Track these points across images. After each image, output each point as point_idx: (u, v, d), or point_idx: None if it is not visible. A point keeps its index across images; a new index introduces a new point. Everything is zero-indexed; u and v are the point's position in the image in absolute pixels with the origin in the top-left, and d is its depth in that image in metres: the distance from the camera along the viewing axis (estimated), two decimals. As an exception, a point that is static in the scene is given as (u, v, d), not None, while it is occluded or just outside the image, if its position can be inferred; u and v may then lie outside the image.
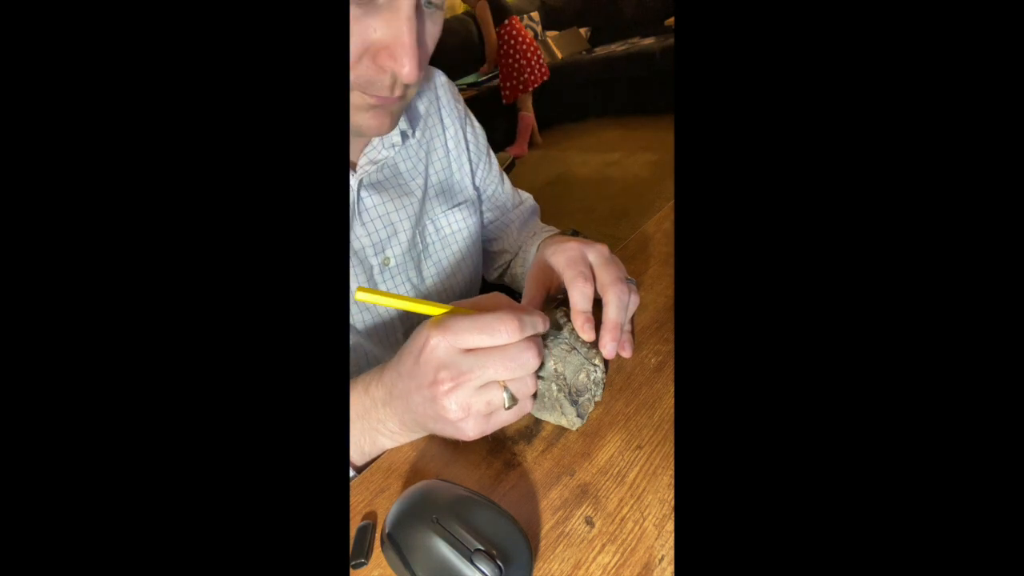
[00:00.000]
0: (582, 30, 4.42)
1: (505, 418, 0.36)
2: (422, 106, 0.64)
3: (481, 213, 0.71)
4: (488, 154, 0.71)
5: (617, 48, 3.93)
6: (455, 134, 0.66)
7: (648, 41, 3.80)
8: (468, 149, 0.68)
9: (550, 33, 4.34)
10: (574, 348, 0.42)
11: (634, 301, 0.45)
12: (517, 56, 3.52)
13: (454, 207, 0.65)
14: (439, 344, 0.33)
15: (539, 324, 0.36)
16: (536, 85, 3.61)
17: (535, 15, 4.32)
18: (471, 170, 0.68)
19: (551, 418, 0.41)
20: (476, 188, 0.69)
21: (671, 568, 0.30)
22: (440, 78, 0.67)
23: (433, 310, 0.36)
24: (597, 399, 0.42)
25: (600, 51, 4.07)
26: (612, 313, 0.43)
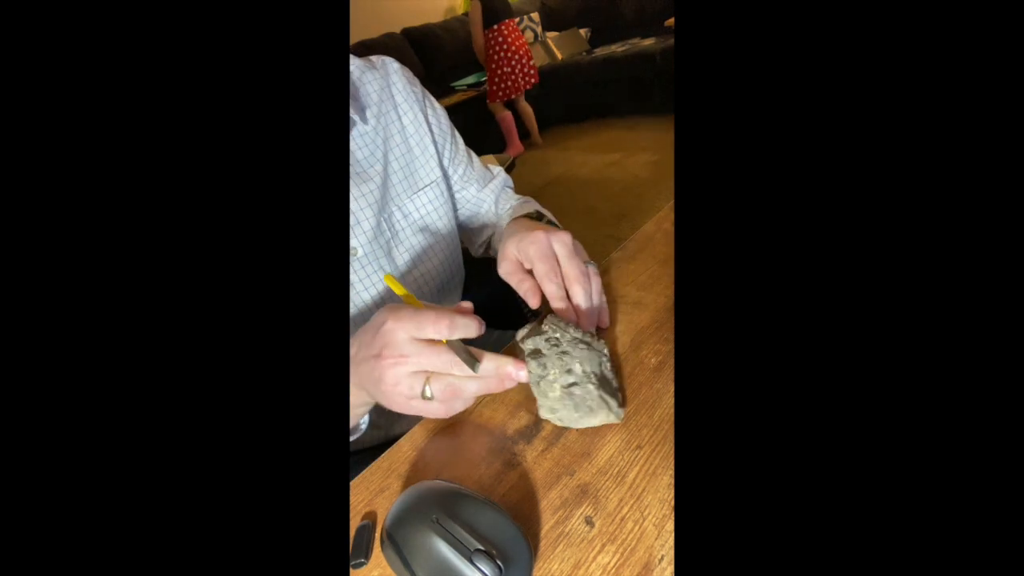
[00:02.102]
0: (582, 31, 4.42)
1: (421, 407, 0.39)
2: (374, 92, 0.65)
3: (452, 193, 0.71)
4: (452, 134, 0.72)
5: (617, 49, 3.93)
6: (414, 117, 0.66)
7: (648, 42, 3.80)
8: (431, 131, 0.68)
9: (550, 34, 4.34)
10: (581, 344, 0.42)
11: (596, 284, 0.50)
12: (502, 61, 3.52)
13: (420, 190, 0.66)
14: (393, 328, 0.38)
15: (473, 328, 0.38)
16: (520, 92, 3.60)
17: (535, 16, 4.32)
18: (436, 151, 0.68)
19: (598, 420, 0.40)
20: (443, 169, 0.70)
21: (671, 568, 0.30)
22: (392, 65, 0.68)
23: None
24: (616, 386, 0.42)
25: (600, 52, 4.07)
26: (581, 301, 0.48)
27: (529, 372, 0.41)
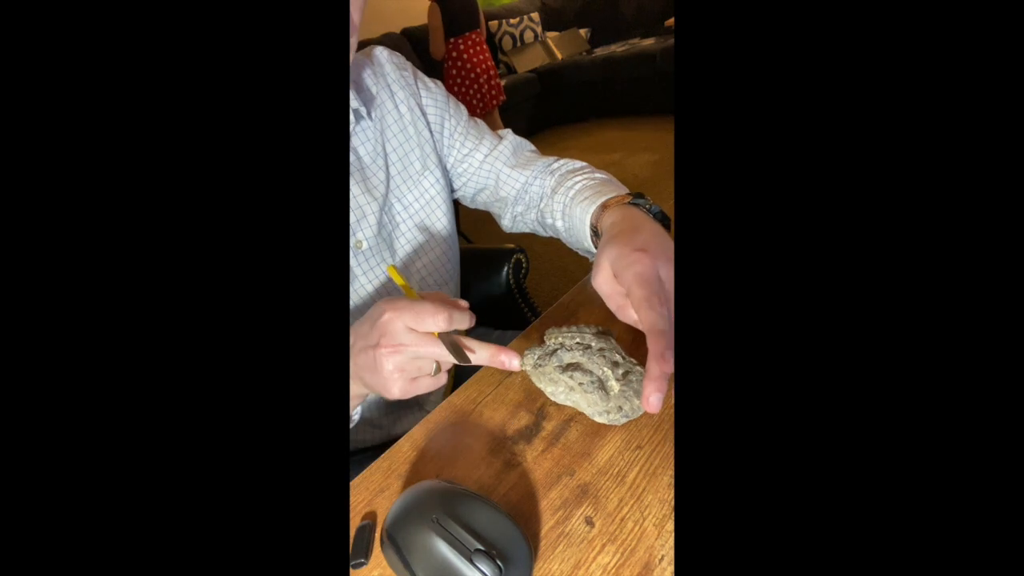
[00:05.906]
0: (582, 31, 4.42)
1: (426, 384, 0.42)
2: (372, 86, 0.65)
3: (448, 176, 0.71)
4: (449, 104, 0.70)
5: (617, 49, 3.93)
6: (407, 100, 0.66)
7: (648, 42, 3.81)
8: (425, 116, 0.67)
9: (550, 34, 4.34)
10: (598, 336, 0.41)
11: None
12: (457, 79, 3.15)
13: (418, 181, 0.66)
14: (391, 319, 0.40)
15: (467, 321, 0.41)
16: (482, 113, 3.20)
17: (535, 16, 4.32)
18: (432, 137, 0.68)
19: (633, 408, 0.38)
20: (440, 156, 0.69)
21: (671, 568, 0.30)
22: (383, 54, 0.68)
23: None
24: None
25: (600, 52, 4.08)
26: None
27: (572, 388, 0.39)
